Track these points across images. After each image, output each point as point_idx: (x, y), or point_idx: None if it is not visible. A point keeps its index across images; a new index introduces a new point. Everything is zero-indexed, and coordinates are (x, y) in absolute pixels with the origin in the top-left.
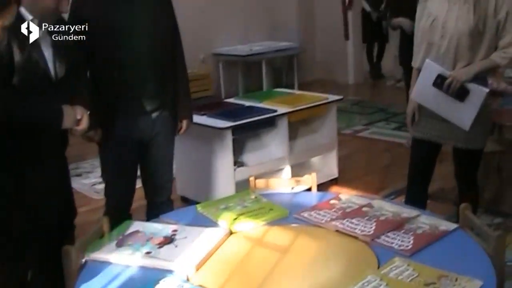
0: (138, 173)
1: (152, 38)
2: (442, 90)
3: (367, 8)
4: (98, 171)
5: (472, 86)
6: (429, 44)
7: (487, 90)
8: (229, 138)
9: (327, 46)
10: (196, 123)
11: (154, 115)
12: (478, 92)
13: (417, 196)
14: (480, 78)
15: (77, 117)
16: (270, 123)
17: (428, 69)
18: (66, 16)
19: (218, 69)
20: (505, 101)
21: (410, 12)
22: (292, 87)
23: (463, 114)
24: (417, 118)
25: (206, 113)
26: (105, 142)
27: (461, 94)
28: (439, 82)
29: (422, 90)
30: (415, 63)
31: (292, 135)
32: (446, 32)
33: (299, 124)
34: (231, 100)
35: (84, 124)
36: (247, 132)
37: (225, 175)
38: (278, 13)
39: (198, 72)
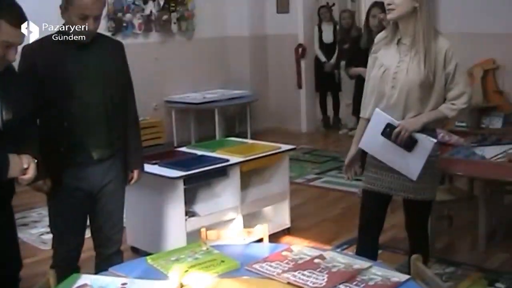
0: (88, 223)
1: (104, 88)
2: (391, 140)
3: (322, 58)
4: (46, 221)
5: (420, 137)
6: (379, 95)
7: (434, 140)
8: (180, 188)
9: (280, 94)
10: (147, 172)
11: (105, 165)
12: (426, 143)
13: (368, 246)
14: (428, 128)
15: (23, 166)
16: (222, 172)
17: (377, 118)
18: (16, 64)
19: (171, 116)
20: (455, 151)
21: (366, 62)
22: (245, 136)
23: (411, 164)
24: (357, 170)
25: (158, 162)
26: (54, 192)
27: (409, 144)
28: (388, 131)
29: (370, 139)
30: (364, 114)
31: (244, 185)
32: (397, 83)
33: (252, 173)
34: (184, 149)
35: (31, 173)
36: (199, 182)
37: (176, 225)
38: (231, 61)
39: (150, 120)
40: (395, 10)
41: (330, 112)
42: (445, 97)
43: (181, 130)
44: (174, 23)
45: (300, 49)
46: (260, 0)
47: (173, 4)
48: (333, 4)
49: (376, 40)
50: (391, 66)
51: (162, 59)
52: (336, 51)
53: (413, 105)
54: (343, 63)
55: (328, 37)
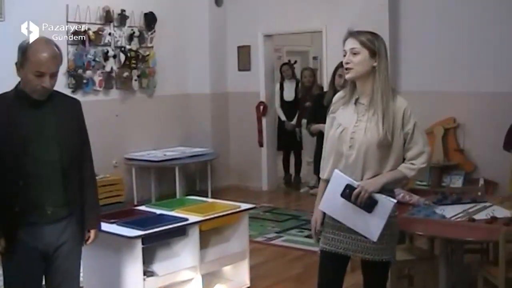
0: (44, 283)
1: (60, 147)
2: (350, 201)
3: (282, 117)
4: (0, 282)
5: (380, 197)
6: (338, 155)
7: (394, 201)
8: (138, 247)
9: (242, 152)
10: (105, 232)
11: (61, 224)
12: (386, 203)
13: None
14: (388, 189)
15: None
16: (181, 232)
17: (337, 179)
18: None
19: (131, 174)
20: (415, 210)
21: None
22: (206, 193)
23: (371, 225)
24: (322, 229)
25: (117, 221)
26: (8, 251)
27: (369, 205)
28: (347, 192)
29: (330, 200)
30: (323, 175)
31: (204, 244)
32: (355, 143)
33: (211, 232)
34: (143, 207)
35: None
36: (158, 241)
37: (134, 285)
38: (192, 118)
39: (110, 178)
40: (353, 70)
41: (292, 170)
42: (404, 157)
43: (142, 187)
44: (135, 80)
45: (261, 107)
46: (222, 57)
47: (134, 61)
48: (295, 62)
49: (334, 99)
50: (349, 126)
51: (123, 116)
52: (298, 110)
53: (371, 165)
54: (304, 121)
55: (289, 95)
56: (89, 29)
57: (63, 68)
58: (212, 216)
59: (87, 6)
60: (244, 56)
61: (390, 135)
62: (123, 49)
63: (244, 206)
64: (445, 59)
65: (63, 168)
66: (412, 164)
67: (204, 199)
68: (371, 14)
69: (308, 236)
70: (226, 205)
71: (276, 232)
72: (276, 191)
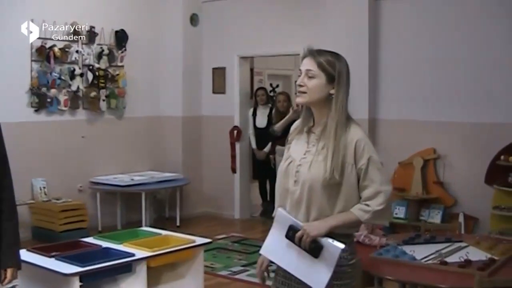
0: None
1: None
2: (295, 244)
3: (253, 145)
4: None
5: (325, 242)
6: (284, 191)
7: (341, 247)
8: (75, 285)
9: (214, 178)
10: (41, 267)
11: None
12: (332, 249)
13: None
14: (341, 233)
15: None
16: (126, 268)
17: (280, 219)
18: None
19: (96, 199)
20: (383, 250)
21: None
22: (175, 221)
23: (318, 273)
24: (266, 276)
25: (57, 254)
26: None
27: (314, 249)
28: (291, 234)
29: (273, 243)
30: (275, 212)
31: (154, 281)
32: (300, 178)
33: (163, 268)
34: (90, 239)
35: None
36: (99, 279)
37: None
38: (163, 142)
39: (73, 202)
40: (307, 94)
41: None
42: (360, 196)
43: (107, 213)
44: (103, 100)
45: (235, 132)
46: (196, 79)
47: (103, 81)
48: (277, 86)
49: (291, 129)
50: (297, 157)
51: (90, 138)
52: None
53: (318, 205)
54: (279, 147)
55: (262, 122)
56: (54, 45)
57: (25, 86)
58: (162, 251)
59: (53, 21)
60: (219, 79)
61: (338, 174)
62: (91, 67)
63: (200, 240)
64: (426, 88)
65: None
66: (367, 205)
67: (159, 231)
68: (350, 39)
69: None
70: (180, 239)
71: (243, 266)
72: (249, 220)
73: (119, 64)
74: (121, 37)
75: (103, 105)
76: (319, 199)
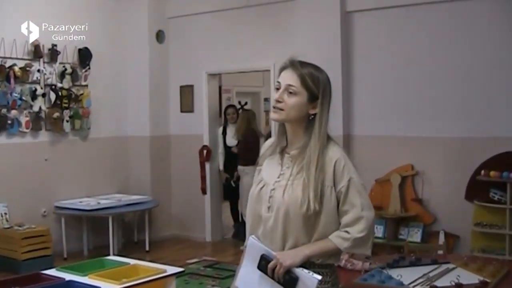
0: None
1: None
2: (268, 276)
3: (220, 165)
4: None
5: (301, 273)
6: (256, 217)
7: (318, 278)
8: None
9: (184, 200)
10: None
11: None
12: (308, 281)
13: None
14: (320, 264)
15: None
16: None
17: (252, 248)
18: None
19: (61, 224)
20: (368, 275)
21: None
22: (144, 245)
23: None
24: None
25: None
26: None
27: (288, 281)
28: (263, 264)
29: (247, 274)
30: (246, 241)
31: None
32: (274, 203)
33: None
34: (52, 271)
35: None
36: None
37: None
38: (130, 163)
39: (36, 229)
40: (284, 112)
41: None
42: (339, 221)
43: (73, 239)
44: (67, 121)
45: (205, 151)
46: (163, 97)
47: (66, 101)
48: (245, 103)
49: (262, 148)
50: (270, 181)
51: (53, 160)
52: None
53: (294, 233)
54: (241, 168)
55: (232, 140)
56: (14, 64)
57: None
58: (130, 284)
59: (13, 40)
60: (187, 97)
61: (317, 203)
62: (53, 87)
63: (171, 270)
64: (402, 102)
65: None
66: (347, 232)
67: (127, 260)
68: (322, 52)
69: None
70: (150, 269)
71: None
72: (221, 242)
73: (83, 83)
74: (84, 55)
75: (66, 126)
76: (296, 227)
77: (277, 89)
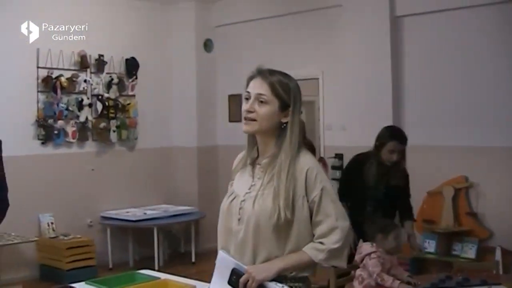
0: None
1: None
2: None
3: None
4: None
5: (272, 286)
6: (227, 231)
7: None
8: None
9: None
10: None
11: None
12: None
13: None
14: (291, 277)
15: None
16: None
17: (222, 262)
18: None
19: (106, 235)
20: None
21: None
22: (190, 256)
23: None
24: None
25: None
26: None
27: None
28: (235, 279)
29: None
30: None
31: None
32: (243, 215)
33: None
34: (80, 285)
35: None
36: None
37: None
38: (177, 174)
39: (80, 239)
40: (256, 122)
41: None
42: (313, 233)
43: (119, 250)
44: (114, 131)
45: None
46: (211, 107)
47: (113, 111)
48: (301, 113)
49: (234, 163)
50: (240, 193)
51: (99, 171)
52: None
53: (265, 246)
54: None
55: None
56: (61, 75)
57: (31, 118)
58: None
59: (60, 51)
60: (235, 106)
61: (288, 211)
62: (100, 97)
63: (201, 286)
64: (454, 111)
65: None
66: (321, 243)
67: (158, 274)
68: (371, 58)
69: None
70: (179, 285)
71: None
72: None
73: (130, 93)
74: (131, 65)
75: (113, 136)
76: (267, 239)
77: (247, 99)
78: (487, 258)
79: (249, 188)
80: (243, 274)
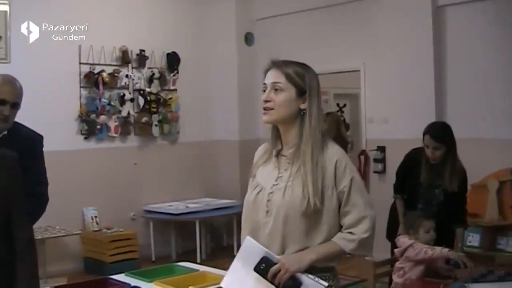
0: None
1: None
2: (267, 279)
3: None
4: None
5: (306, 280)
6: (253, 224)
7: (325, 284)
8: None
9: None
10: None
11: None
12: None
13: None
14: (321, 268)
15: None
16: None
17: (249, 249)
18: None
19: (149, 228)
20: None
21: None
22: (232, 250)
23: None
24: None
25: None
26: None
27: (290, 287)
28: (263, 268)
29: (237, 274)
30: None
31: None
32: (272, 208)
33: None
34: (119, 276)
35: None
36: None
37: None
38: (219, 168)
39: (123, 232)
40: (274, 111)
41: None
42: (341, 223)
43: (161, 243)
44: (156, 125)
45: None
46: (252, 101)
47: (155, 105)
48: (344, 105)
49: (255, 155)
50: (267, 185)
51: (142, 165)
52: None
53: (294, 237)
54: None
55: None
56: (103, 71)
57: (74, 113)
58: None
59: (102, 46)
60: None
61: (318, 199)
62: (142, 92)
63: None
64: (498, 102)
65: None
66: (351, 233)
67: (197, 267)
68: (413, 49)
69: None
70: (218, 277)
71: None
72: None
73: (171, 87)
74: (172, 60)
75: (155, 130)
76: (296, 230)
77: (264, 90)
78: None
79: (276, 180)
80: (274, 263)
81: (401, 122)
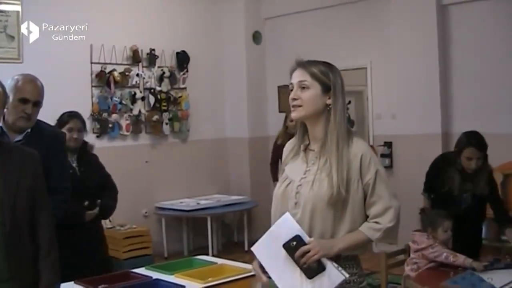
0: None
1: (2, 207)
2: (292, 257)
3: None
4: None
5: (329, 266)
6: (282, 214)
7: (346, 276)
8: None
9: None
10: None
11: None
12: (334, 276)
13: None
14: (344, 256)
15: None
16: None
17: (286, 224)
18: None
19: (161, 225)
20: (458, 278)
21: None
22: (243, 246)
23: None
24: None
25: (104, 287)
26: None
27: (312, 269)
28: (294, 246)
29: (267, 246)
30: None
31: None
32: (300, 199)
33: None
34: (141, 270)
35: None
36: None
37: None
38: (229, 164)
39: (136, 229)
40: (302, 108)
41: None
42: (367, 214)
43: (174, 239)
44: (166, 123)
45: None
46: (261, 98)
47: (165, 104)
48: (349, 102)
49: (284, 152)
50: (296, 178)
51: (154, 162)
52: None
53: (321, 227)
54: None
55: None
56: (114, 70)
57: (87, 112)
58: (214, 283)
59: (112, 46)
60: (285, 97)
61: (343, 190)
62: (152, 90)
63: None
64: (503, 98)
65: (6, 234)
66: (377, 223)
67: (215, 260)
68: (419, 47)
69: None
70: (236, 269)
71: None
72: None
73: (181, 86)
74: (182, 59)
75: (166, 128)
76: (323, 220)
77: (291, 90)
78: None
79: (304, 173)
80: (305, 244)
81: (408, 118)
